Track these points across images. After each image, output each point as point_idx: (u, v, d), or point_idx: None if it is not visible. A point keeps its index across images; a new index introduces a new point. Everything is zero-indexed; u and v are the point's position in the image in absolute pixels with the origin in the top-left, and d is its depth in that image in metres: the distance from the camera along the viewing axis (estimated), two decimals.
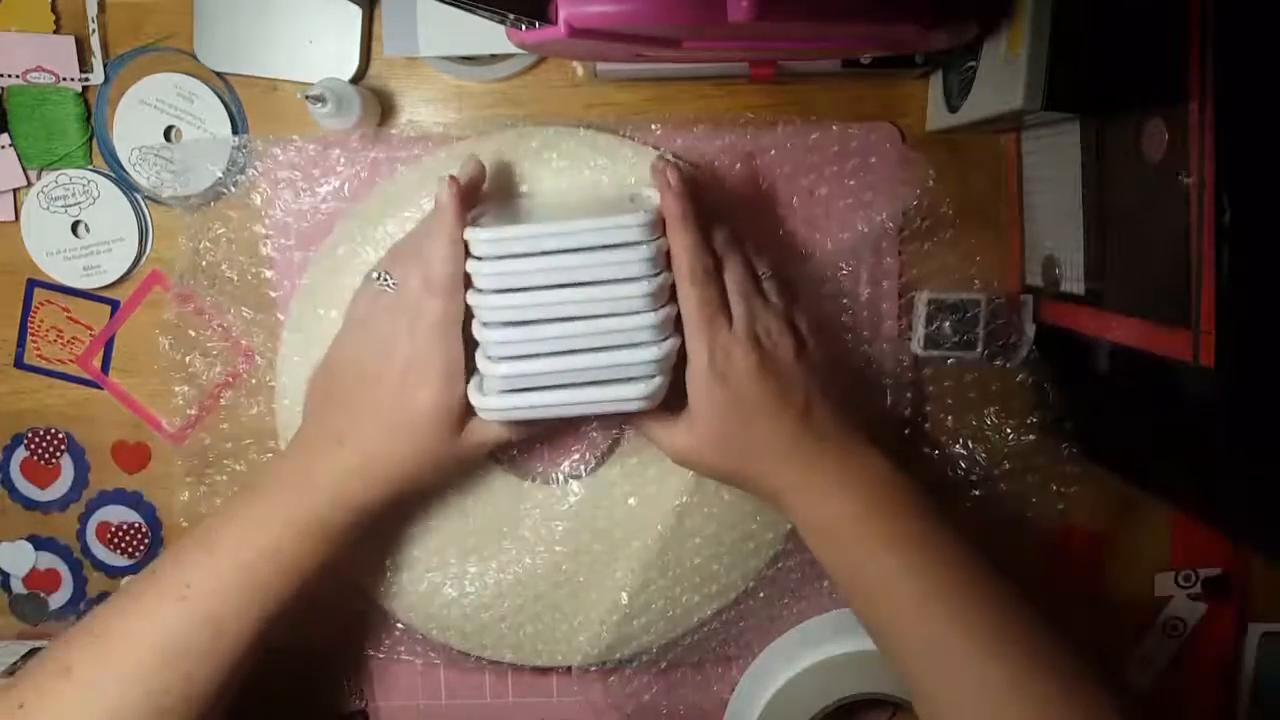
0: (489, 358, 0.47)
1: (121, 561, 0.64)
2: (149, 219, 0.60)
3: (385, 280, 0.50)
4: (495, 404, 0.48)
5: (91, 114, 0.59)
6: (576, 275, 0.46)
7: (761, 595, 0.59)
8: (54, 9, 0.58)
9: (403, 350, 0.48)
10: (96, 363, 0.62)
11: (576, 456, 0.59)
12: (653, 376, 0.47)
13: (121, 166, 0.59)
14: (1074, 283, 0.53)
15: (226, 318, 0.59)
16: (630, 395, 0.47)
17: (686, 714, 0.62)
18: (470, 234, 0.47)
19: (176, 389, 0.59)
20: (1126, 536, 0.63)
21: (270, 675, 0.61)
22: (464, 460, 0.51)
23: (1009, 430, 0.58)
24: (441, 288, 0.48)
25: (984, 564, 0.46)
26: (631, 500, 0.58)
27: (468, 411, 0.49)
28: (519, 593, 0.58)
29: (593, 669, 0.60)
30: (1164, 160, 0.44)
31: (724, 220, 0.50)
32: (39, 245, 0.60)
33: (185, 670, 0.46)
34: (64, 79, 0.58)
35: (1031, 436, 0.58)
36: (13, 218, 0.60)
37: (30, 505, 0.63)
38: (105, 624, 0.47)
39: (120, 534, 0.63)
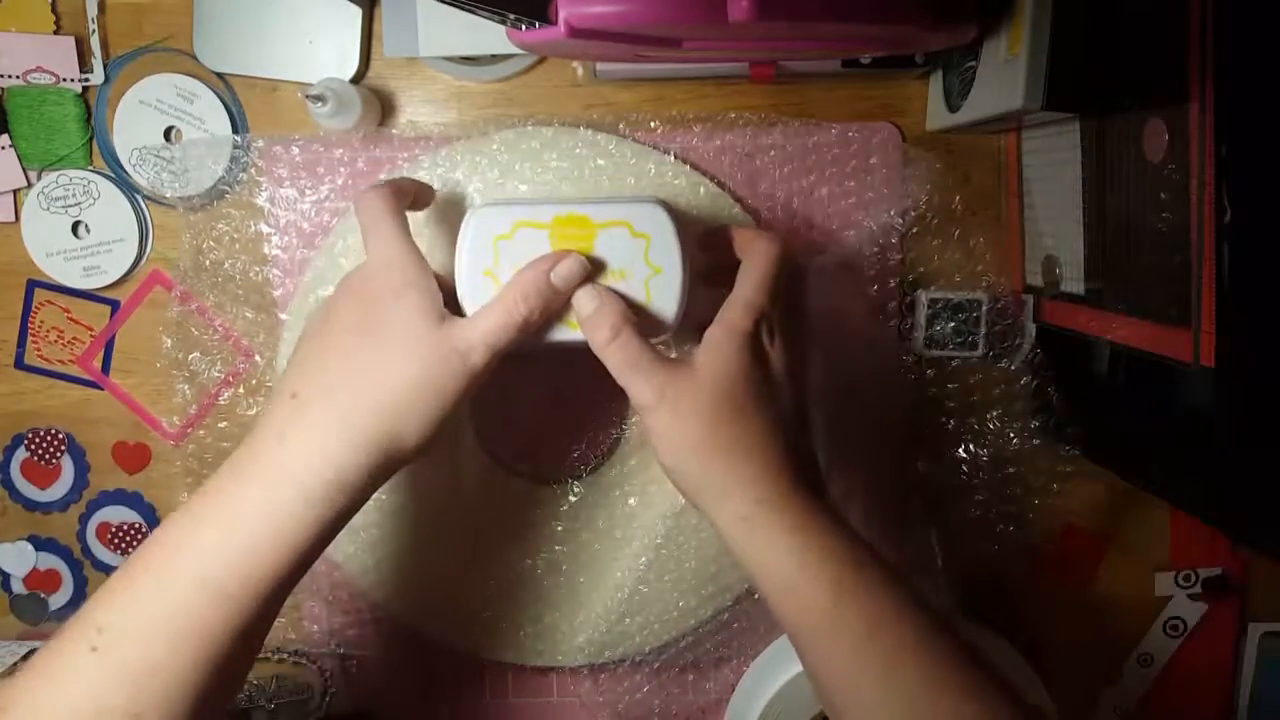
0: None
1: (122, 562, 0.64)
2: (149, 219, 0.60)
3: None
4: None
5: (91, 114, 0.59)
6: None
7: (757, 597, 0.59)
8: (54, 9, 0.58)
9: (358, 289, 0.43)
10: (97, 363, 0.62)
11: (576, 457, 0.59)
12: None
13: (121, 167, 0.59)
14: (1074, 283, 0.53)
15: (227, 317, 0.59)
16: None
17: (682, 714, 0.62)
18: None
19: (178, 387, 0.59)
20: (1126, 536, 0.63)
21: (269, 676, 0.62)
22: (458, 381, 0.42)
23: (1010, 431, 0.58)
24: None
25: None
26: (631, 500, 0.58)
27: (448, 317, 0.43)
28: (519, 593, 0.58)
29: (592, 669, 0.60)
30: (1164, 160, 0.44)
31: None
32: (39, 246, 0.60)
33: None
34: (64, 79, 0.58)
35: (1033, 437, 0.58)
36: (13, 218, 0.60)
37: (30, 506, 0.63)
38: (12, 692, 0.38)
39: (120, 534, 0.63)
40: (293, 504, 0.39)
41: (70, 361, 0.62)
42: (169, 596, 0.38)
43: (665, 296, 0.46)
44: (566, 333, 0.46)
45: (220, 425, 0.59)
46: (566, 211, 0.46)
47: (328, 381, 0.41)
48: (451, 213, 0.56)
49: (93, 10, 0.57)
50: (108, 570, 0.64)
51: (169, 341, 0.59)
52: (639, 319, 0.46)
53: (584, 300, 0.45)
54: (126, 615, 0.38)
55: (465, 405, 0.43)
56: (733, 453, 0.42)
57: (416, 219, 0.56)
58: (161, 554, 0.39)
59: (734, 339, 0.44)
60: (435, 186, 0.55)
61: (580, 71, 0.58)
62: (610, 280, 0.46)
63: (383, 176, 0.56)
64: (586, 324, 0.45)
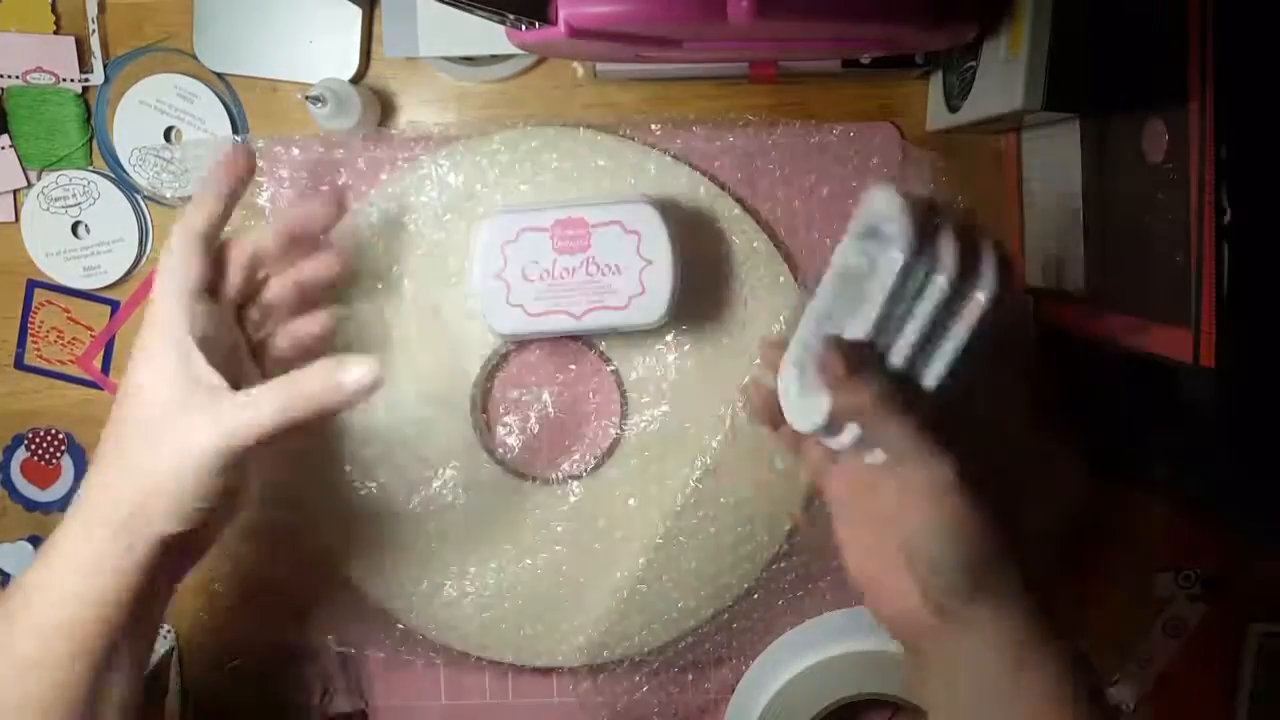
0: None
1: None
2: (149, 219, 0.60)
3: None
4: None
5: (91, 114, 0.59)
6: None
7: (757, 597, 0.59)
8: (54, 9, 0.58)
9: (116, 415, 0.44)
10: (97, 363, 0.62)
11: (576, 456, 0.59)
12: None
13: (121, 167, 0.59)
14: (1074, 283, 0.53)
15: None
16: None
17: (682, 714, 0.62)
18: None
19: None
20: (1126, 536, 0.63)
21: (269, 676, 0.62)
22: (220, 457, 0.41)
23: (1009, 431, 0.58)
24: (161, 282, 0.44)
25: None
26: (631, 501, 0.58)
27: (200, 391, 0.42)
28: (519, 593, 0.58)
29: (591, 669, 0.60)
30: (1164, 160, 0.44)
31: None
32: (39, 246, 0.60)
33: None
34: (64, 79, 0.58)
35: (1033, 438, 0.58)
36: (13, 218, 0.60)
37: (31, 506, 0.63)
38: None
39: None
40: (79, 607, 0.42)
41: (70, 361, 0.62)
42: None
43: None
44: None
45: None
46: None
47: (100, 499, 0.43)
48: (456, 216, 0.56)
49: (93, 10, 0.57)
50: None
51: None
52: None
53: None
54: None
55: (232, 483, 0.43)
56: (1011, 551, 0.39)
57: (424, 226, 0.56)
58: None
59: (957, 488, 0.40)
60: (433, 188, 0.55)
61: (580, 71, 0.58)
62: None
63: (364, 189, 0.56)
64: (854, 381, 0.39)
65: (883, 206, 0.39)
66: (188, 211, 0.45)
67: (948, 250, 0.38)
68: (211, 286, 0.46)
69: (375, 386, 0.41)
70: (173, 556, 0.43)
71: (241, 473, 0.43)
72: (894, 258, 0.38)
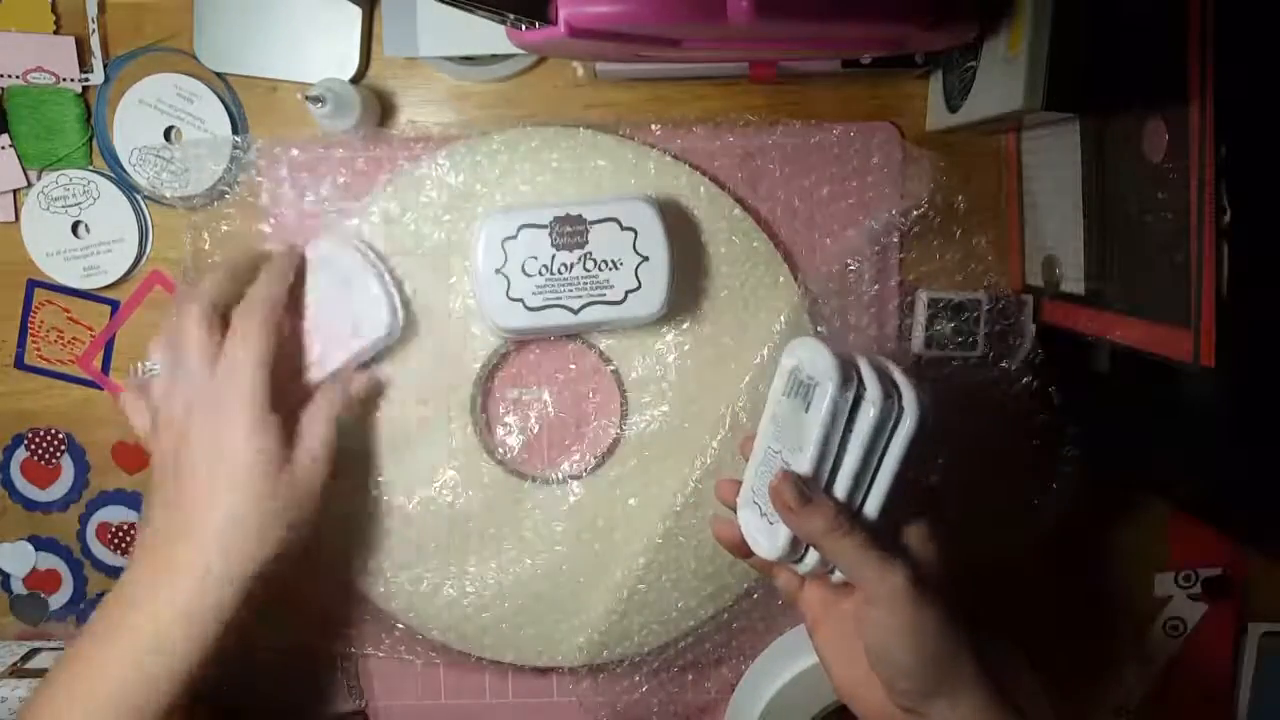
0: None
1: (122, 562, 0.64)
2: (149, 219, 0.60)
3: (149, 369, 0.52)
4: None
5: (91, 114, 0.59)
6: None
7: (757, 597, 0.59)
8: (54, 9, 0.58)
9: (198, 415, 0.48)
10: (97, 363, 0.62)
11: (576, 457, 0.59)
12: None
13: (121, 167, 0.59)
14: (1074, 283, 0.53)
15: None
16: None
17: (681, 714, 0.62)
18: None
19: None
20: (1126, 536, 0.63)
21: (269, 676, 0.61)
22: (305, 484, 0.50)
23: (1010, 431, 0.58)
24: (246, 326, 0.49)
25: None
26: (631, 501, 0.58)
27: (285, 436, 0.49)
28: (519, 593, 0.58)
29: (591, 669, 0.60)
30: (1164, 160, 0.44)
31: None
32: (39, 246, 0.60)
33: None
34: (64, 79, 0.58)
35: (1033, 438, 0.58)
36: (13, 218, 0.60)
37: (30, 506, 0.63)
38: None
39: (121, 534, 0.63)
40: (158, 641, 0.46)
41: (70, 361, 0.62)
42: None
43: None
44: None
45: None
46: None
47: (188, 528, 0.48)
48: (456, 216, 0.56)
49: (93, 10, 0.57)
50: (107, 570, 0.64)
51: None
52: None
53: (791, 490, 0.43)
54: None
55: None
56: (967, 644, 0.43)
57: (424, 226, 0.56)
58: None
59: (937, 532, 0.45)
60: (433, 188, 0.56)
61: (580, 71, 0.58)
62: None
63: (356, 226, 0.56)
64: (802, 513, 0.43)
65: (807, 353, 0.44)
66: (271, 290, 0.51)
67: (870, 379, 0.42)
68: None
69: (374, 391, 0.55)
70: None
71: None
72: (828, 393, 0.42)
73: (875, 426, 0.42)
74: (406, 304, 0.56)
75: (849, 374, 0.42)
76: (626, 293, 0.53)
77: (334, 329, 0.54)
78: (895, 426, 0.43)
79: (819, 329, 0.57)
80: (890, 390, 0.43)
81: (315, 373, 0.54)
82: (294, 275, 0.53)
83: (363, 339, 0.54)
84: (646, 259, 0.52)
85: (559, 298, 0.52)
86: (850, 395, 0.42)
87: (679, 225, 0.55)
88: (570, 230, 0.52)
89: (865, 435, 0.42)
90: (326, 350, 0.54)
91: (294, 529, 0.49)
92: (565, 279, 0.52)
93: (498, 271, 0.52)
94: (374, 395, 0.55)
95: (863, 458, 0.43)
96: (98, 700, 0.45)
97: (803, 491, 0.42)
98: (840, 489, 0.43)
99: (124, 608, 0.47)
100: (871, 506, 0.44)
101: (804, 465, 0.43)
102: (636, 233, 0.52)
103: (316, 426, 0.50)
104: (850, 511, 0.43)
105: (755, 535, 0.47)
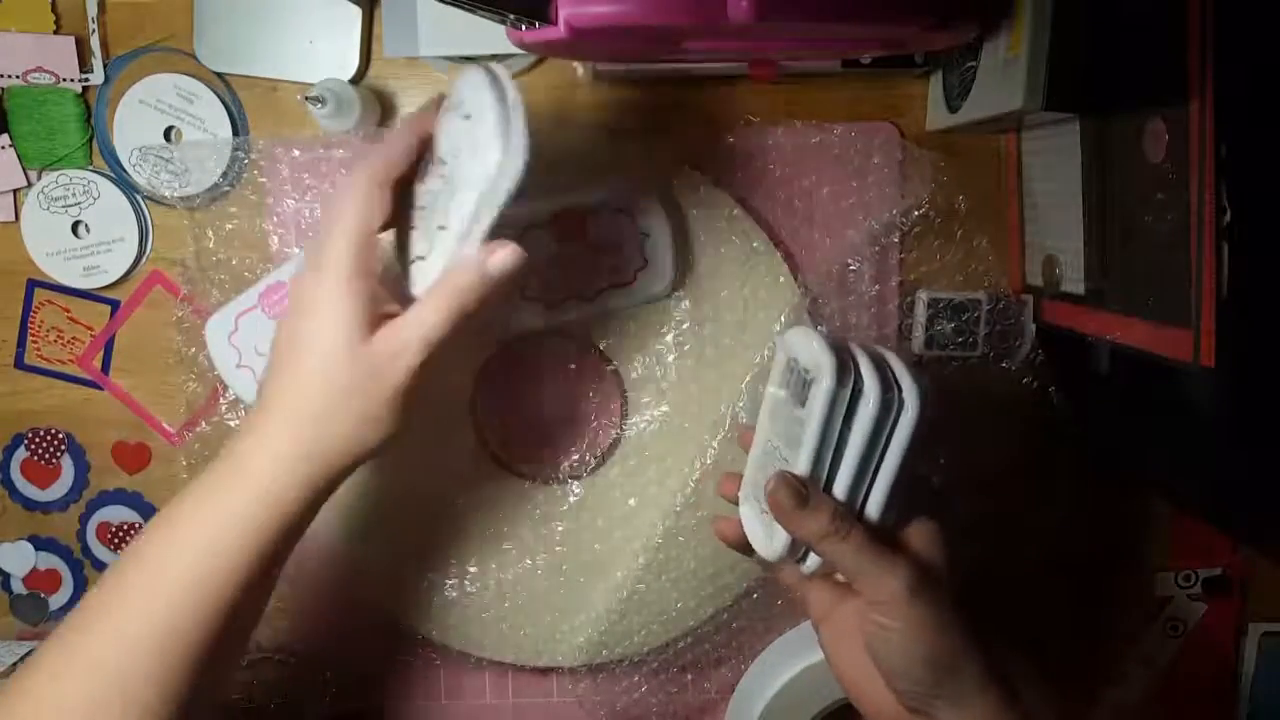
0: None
1: None
2: (149, 219, 0.60)
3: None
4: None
5: (91, 114, 0.59)
6: None
7: (756, 597, 0.59)
8: (54, 9, 0.58)
9: (294, 297, 0.43)
10: (97, 363, 0.62)
11: (576, 457, 0.59)
12: None
13: (121, 166, 0.59)
14: (1074, 283, 0.53)
15: None
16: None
17: (681, 714, 0.62)
18: None
19: (187, 385, 0.59)
20: (1126, 536, 0.63)
21: (269, 676, 0.61)
22: (392, 380, 0.42)
23: (1010, 431, 0.58)
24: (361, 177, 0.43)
25: None
26: (631, 501, 0.58)
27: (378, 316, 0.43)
28: (519, 593, 0.58)
29: (591, 669, 0.60)
30: (1164, 160, 0.44)
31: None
32: (39, 245, 0.60)
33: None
34: (64, 79, 0.58)
35: (1033, 438, 0.58)
36: (13, 218, 0.60)
37: (30, 505, 0.63)
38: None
39: (121, 534, 0.63)
40: (248, 507, 0.42)
41: (70, 361, 0.62)
42: (151, 605, 0.41)
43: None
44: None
45: (231, 423, 0.59)
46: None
47: (265, 396, 0.43)
48: None
49: (93, 10, 0.57)
50: None
51: (179, 340, 0.59)
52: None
53: (787, 490, 0.42)
54: (111, 621, 0.41)
55: (421, 392, 0.43)
56: (971, 647, 0.42)
57: None
58: (137, 564, 0.42)
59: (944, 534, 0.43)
60: None
61: (580, 71, 0.58)
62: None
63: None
64: (798, 516, 0.42)
65: (802, 344, 0.42)
66: (373, 158, 0.44)
67: (868, 372, 0.41)
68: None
69: (519, 266, 0.43)
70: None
71: (415, 392, 0.43)
72: (823, 387, 0.40)
73: (875, 419, 0.41)
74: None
75: (845, 365, 0.41)
76: (635, 272, 0.53)
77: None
78: (896, 419, 0.41)
79: (819, 329, 0.57)
80: (889, 381, 0.41)
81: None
82: (420, 132, 0.45)
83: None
84: (647, 235, 0.53)
85: (571, 290, 0.53)
86: (848, 388, 0.40)
87: (679, 225, 0.55)
88: (567, 223, 0.52)
89: (865, 429, 0.41)
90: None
91: (363, 425, 0.42)
92: (573, 271, 0.53)
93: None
94: (516, 274, 0.43)
95: (863, 453, 0.41)
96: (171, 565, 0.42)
97: (800, 494, 0.41)
98: (840, 486, 0.42)
99: (207, 479, 0.43)
100: (874, 504, 0.42)
101: (802, 462, 0.42)
102: (632, 212, 0.53)
103: (422, 313, 0.42)
104: (850, 511, 0.42)
105: (755, 532, 0.46)
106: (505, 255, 0.43)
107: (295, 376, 0.42)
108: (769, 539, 0.44)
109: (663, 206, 0.53)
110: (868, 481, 0.43)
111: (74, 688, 0.40)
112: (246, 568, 0.42)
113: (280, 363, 0.43)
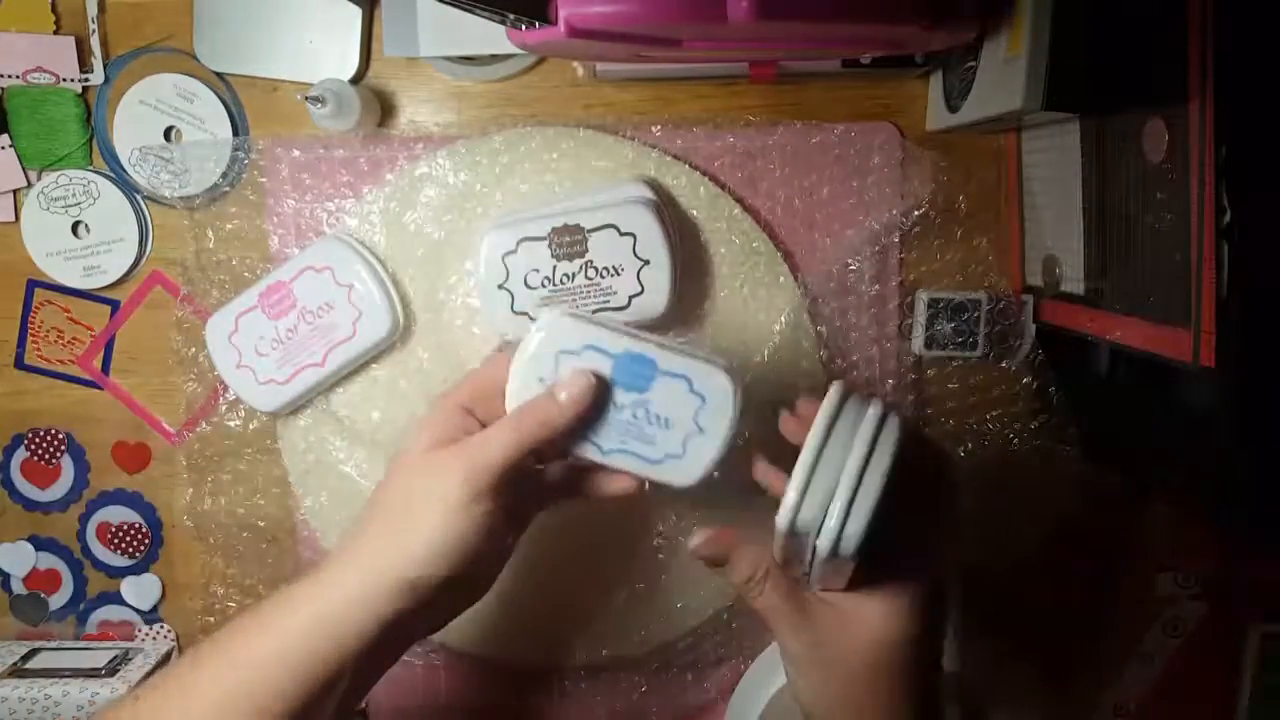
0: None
1: (122, 561, 0.64)
2: (149, 219, 0.60)
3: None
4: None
5: (91, 114, 0.59)
6: None
7: None
8: (54, 9, 0.58)
9: (395, 476, 0.43)
10: (97, 363, 0.62)
11: None
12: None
13: (121, 167, 0.59)
14: (1074, 283, 0.53)
15: None
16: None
17: (681, 714, 0.62)
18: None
19: (187, 385, 0.59)
20: (1126, 536, 0.63)
21: None
22: (478, 523, 0.42)
23: (1010, 431, 0.58)
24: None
25: None
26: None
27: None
28: (519, 593, 0.58)
29: (591, 669, 0.60)
30: (1164, 160, 0.44)
31: None
32: (39, 246, 0.60)
33: None
34: (64, 79, 0.58)
35: (1033, 438, 0.58)
36: (13, 218, 0.60)
37: (30, 505, 0.63)
38: None
39: (120, 534, 0.63)
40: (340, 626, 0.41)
41: (70, 361, 0.62)
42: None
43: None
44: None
45: (228, 424, 0.59)
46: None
47: (358, 546, 0.43)
48: (456, 216, 0.56)
49: (93, 10, 0.57)
50: (107, 570, 0.64)
51: (180, 340, 0.59)
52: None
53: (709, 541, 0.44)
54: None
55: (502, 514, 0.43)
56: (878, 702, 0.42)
57: (424, 226, 0.56)
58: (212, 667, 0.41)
59: (920, 601, 0.42)
60: (433, 188, 0.55)
61: (580, 71, 0.58)
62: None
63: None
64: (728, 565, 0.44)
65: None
66: (557, 407, 0.43)
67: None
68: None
69: (590, 396, 0.43)
70: (427, 601, 0.42)
71: (491, 514, 0.42)
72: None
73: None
74: (406, 304, 0.56)
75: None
76: (630, 297, 0.52)
77: (334, 331, 0.54)
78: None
79: (819, 329, 0.57)
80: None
81: (313, 374, 0.54)
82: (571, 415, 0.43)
83: (362, 340, 0.54)
84: (647, 262, 0.52)
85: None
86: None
87: (679, 226, 0.55)
88: (569, 240, 0.52)
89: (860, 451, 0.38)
90: (329, 353, 0.54)
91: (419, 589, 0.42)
92: (568, 289, 0.52)
93: (500, 287, 0.52)
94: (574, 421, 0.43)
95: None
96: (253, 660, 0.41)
97: (718, 555, 0.44)
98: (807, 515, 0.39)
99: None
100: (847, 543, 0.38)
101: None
102: (635, 237, 0.52)
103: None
104: (781, 563, 0.42)
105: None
106: (577, 388, 0.43)
107: (400, 535, 0.42)
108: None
109: (666, 237, 0.52)
110: (842, 512, 0.38)
111: None
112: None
113: (377, 520, 0.43)
